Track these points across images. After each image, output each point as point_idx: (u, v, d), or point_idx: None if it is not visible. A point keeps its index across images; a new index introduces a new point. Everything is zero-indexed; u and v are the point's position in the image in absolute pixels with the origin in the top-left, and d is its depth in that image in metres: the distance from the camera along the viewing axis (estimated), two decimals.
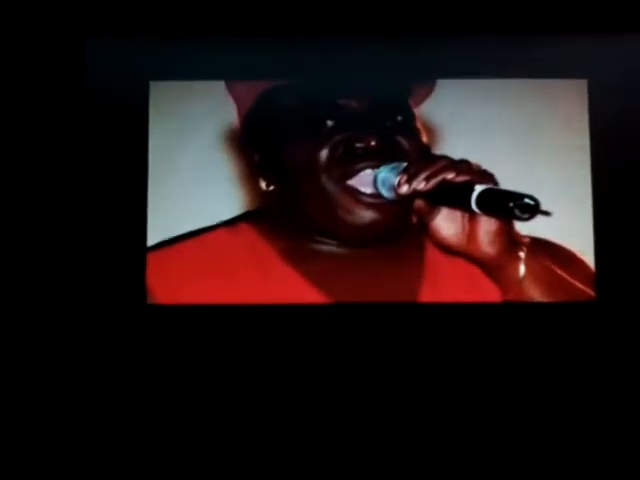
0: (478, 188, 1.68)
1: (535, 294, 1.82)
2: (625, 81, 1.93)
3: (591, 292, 1.88)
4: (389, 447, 1.84)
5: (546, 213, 1.66)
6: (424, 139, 1.89)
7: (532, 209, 1.64)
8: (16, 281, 1.90)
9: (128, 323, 1.89)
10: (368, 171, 1.83)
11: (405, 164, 1.80)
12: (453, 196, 1.73)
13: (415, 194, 1.76)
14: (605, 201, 1.90)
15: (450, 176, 1.73)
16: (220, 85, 1.95)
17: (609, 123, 1.91)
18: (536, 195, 1.65)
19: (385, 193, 1.81)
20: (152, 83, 1.96)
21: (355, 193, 1.84)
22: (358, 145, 1.84)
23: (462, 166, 1.75)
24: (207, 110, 1.94)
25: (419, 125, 1.90)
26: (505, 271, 1.77)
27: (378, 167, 1.82)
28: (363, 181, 1.83)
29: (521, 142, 1.92)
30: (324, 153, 1.85)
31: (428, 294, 1.88)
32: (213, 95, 1.95)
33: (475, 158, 1.78)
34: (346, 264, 1.88)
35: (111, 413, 1.86)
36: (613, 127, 1.91)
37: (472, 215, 1.73)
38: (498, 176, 1.75)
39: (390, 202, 1.81)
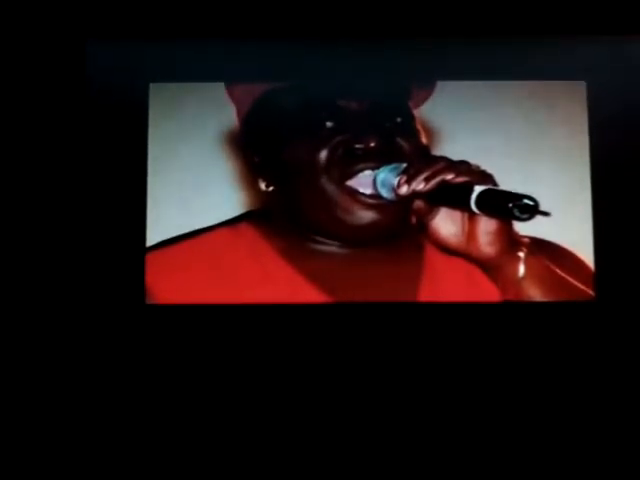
0: (477, 189, 1.69)
1: (534, 294, 1.81)
2: (624, 83, 1.94)
3: (590, 292, 1.88)
4: (388, 445, 1.84)
5: (545, 213, 1.67)
6: (424, 140, 1.90)
7: (531, 209, 1.64)
8: (15, 280, 1.90)
9: (127, 323, 1.89)
10: (368, 172, 1.83)
11: (405, 165, 1.80)
12: (452, 197, 1.73)
13: (415, 195, 1.77)
14: (605, 201, 1.90)
15: (449, 177, 1.74)
16: (220, 87, 1.95)
17: (608, 125, 1.92)
18: (535, 196, 1.66)
19: (385, 194, 1.81)
20: (152, 85, 1.96)
21: (355, 194, 1.84)
22: (358, 146, 1.84)
23: (461, 167, 1.76)
24: (207, 112, 1.94)
25: (419, 126, 1.90)
26: (504, 271, 1.77)
27: (378, 168, 1.82)
28: (363, 182, 1.84)
29: (520, 143, 1.92)
30: (324, 154, 1.85)
31: (427, 294, 1.88)
32: (213, 97, 1.95)
33: (474, 159, 1.79)
34: (346, 264, 1.88)
35: (110, 413, 1.86)
36: (612, 128, 1.92)
37: (471, 215, 1.73)
38: (497, 177, 1.76)
39: (389, 203, 1.81)
